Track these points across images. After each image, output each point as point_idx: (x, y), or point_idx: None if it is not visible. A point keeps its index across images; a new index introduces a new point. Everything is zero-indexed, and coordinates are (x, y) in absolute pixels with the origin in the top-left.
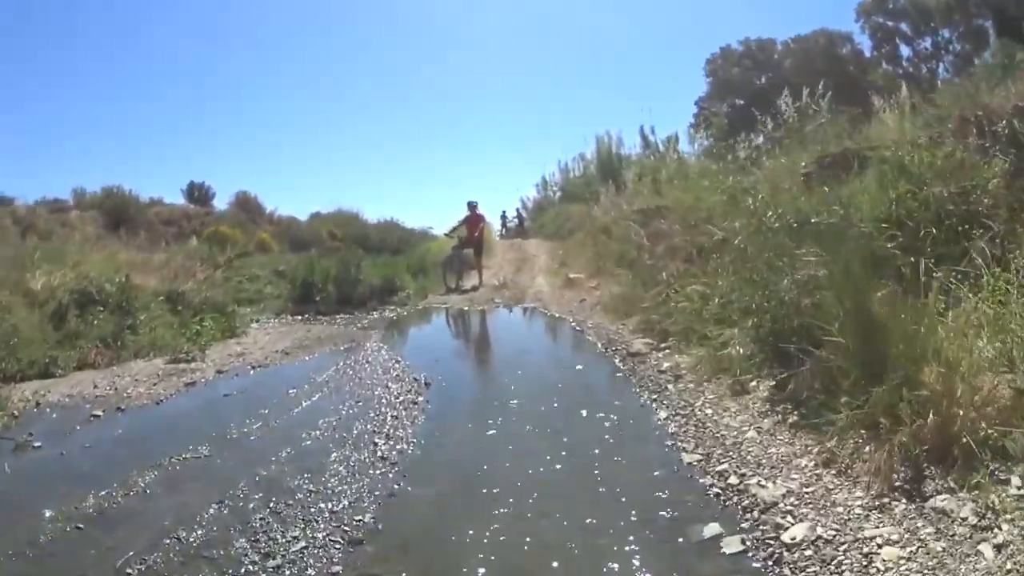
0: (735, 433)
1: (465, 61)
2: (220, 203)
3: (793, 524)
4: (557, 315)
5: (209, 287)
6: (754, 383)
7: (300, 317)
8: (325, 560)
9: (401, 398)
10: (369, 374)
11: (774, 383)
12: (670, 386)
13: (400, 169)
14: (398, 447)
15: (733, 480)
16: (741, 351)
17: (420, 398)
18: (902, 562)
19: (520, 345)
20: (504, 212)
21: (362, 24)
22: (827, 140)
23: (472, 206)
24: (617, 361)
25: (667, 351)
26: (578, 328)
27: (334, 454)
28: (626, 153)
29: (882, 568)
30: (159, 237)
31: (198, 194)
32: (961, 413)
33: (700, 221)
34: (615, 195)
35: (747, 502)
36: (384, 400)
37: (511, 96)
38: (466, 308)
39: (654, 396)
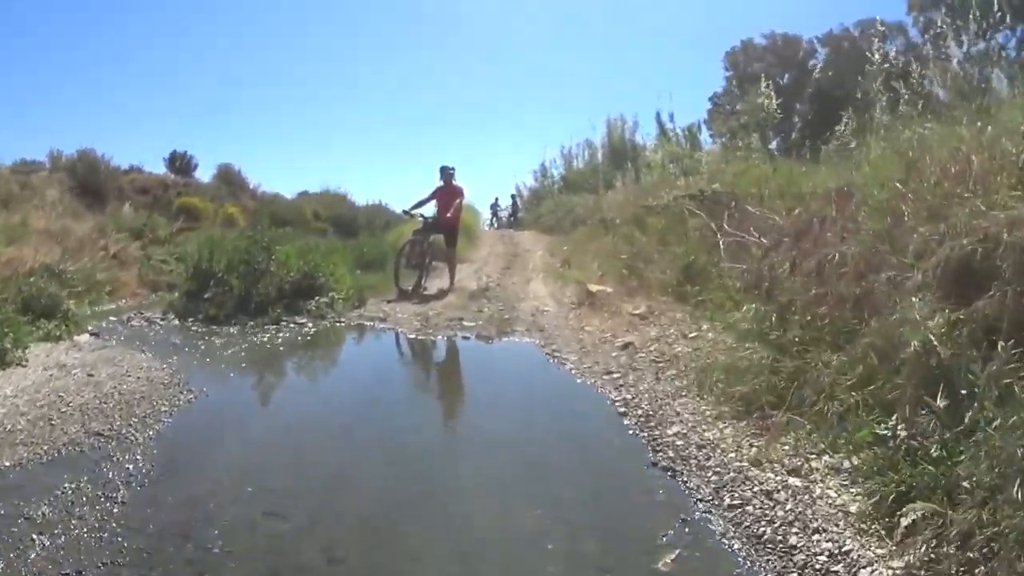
0: None
1: (461, 42)
2: (205, 175)
3: None
4: (580, 376)
5: (108, 267)
6: None
7: (177, 322)
8: None
9: None
10: None
11: None
12: None
13: (391, 154)
14: None
15: None
16: None
17: None
18: None
19: (513, 493)
20: (496, 200)
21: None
22: None
23: (447, 174)
24: None
25: None
26: (663, 457)
27: None
28: (641, 141)
29: None
30: (131, 205)
31: (180, 164)
32: None
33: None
34: (632, 184)
35: None
36: None
37: (508, 79)
38: (413, 335)
39: None
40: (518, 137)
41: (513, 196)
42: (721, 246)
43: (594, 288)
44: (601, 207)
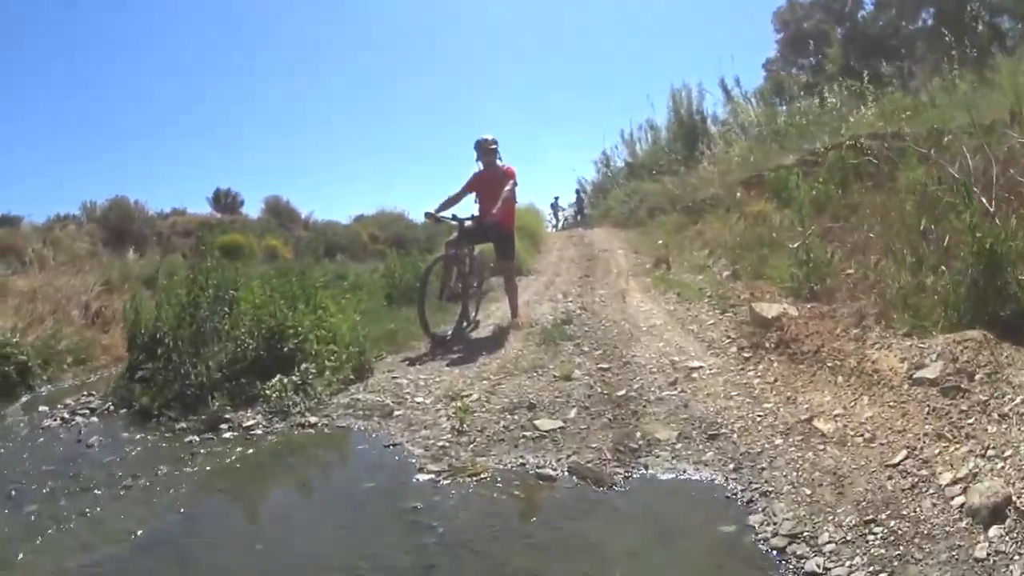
0: None
1: (502, 40)
2: (252, 210)
3: None
4: None
5: (83, 330)
6: None
7: (101, 417)
8: None
9: None
10: None
11: None
12: None
13: (444, 165)
14: None
15: None
16: None
17: None
18: None
19: None
20: (556, 199)
21: (399, 16)
22: None
23: (487, 150)
24: None
25: None
26: None
27: None
28: (709, 111)
29: None
30: (173, 249)
31: (225, 201)
32: None
33: None
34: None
35: None
36: None
37: (555, 71)
38: (430, 474)
39: None
40: (573, 130)
41: (577, 191)
42: None
43: (769, 310)
44: (685, 188)
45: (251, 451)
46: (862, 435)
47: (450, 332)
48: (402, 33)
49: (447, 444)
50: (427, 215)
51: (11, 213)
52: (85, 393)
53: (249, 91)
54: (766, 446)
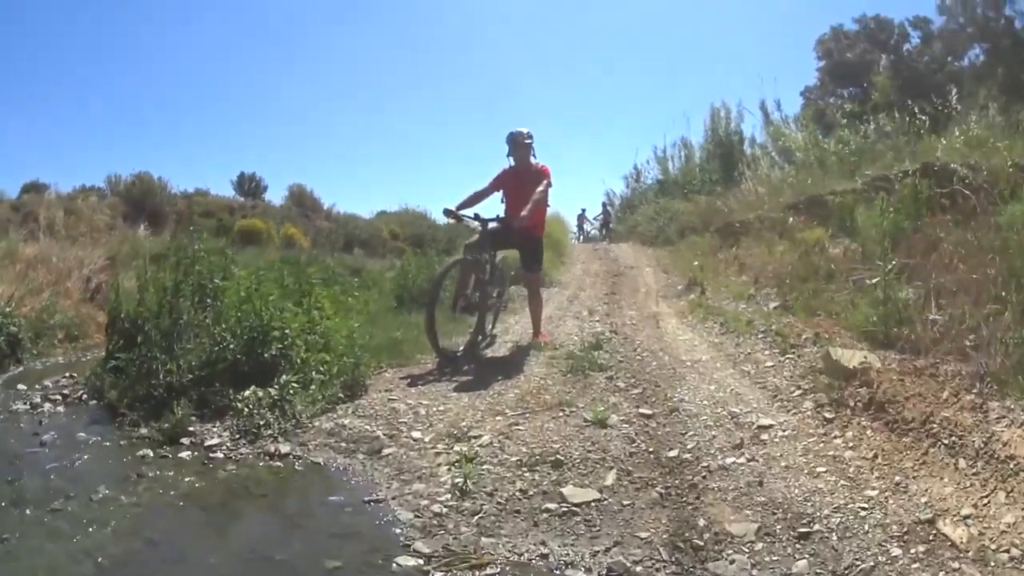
0: None
1: (540, 45)
2: (275, 197)
3: None
4: None
5: (78, 304)
6: None
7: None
8: None
9: None
10: None
11: None
12: None
13: (471, 168)
14: None
15: None
16: None
17: None
18: None
19: None
20: (583, 211)
21: (436, 17)
22: None
23: (521, 145)
24: None
25: None
26: None
27: None
28: (748, 133)
29: None
30: (193, 229)
31: (248, 186)
32: None
33: None
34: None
35: None
36: None
37: (590, 80)
38: (412, 561)
39: None
40: (604, 143)
41: (604, 204)
42: None
43: (850, 359)
44: (721, 209)
45: (201, 484)
46: (1007, 550)
47: (462, 348)
48: (439, 36)
49: (445, 511)
50: (446, 212)
51: (39, 180)
52: (66, 375)
53: (287, 81)
54: (880, 559)
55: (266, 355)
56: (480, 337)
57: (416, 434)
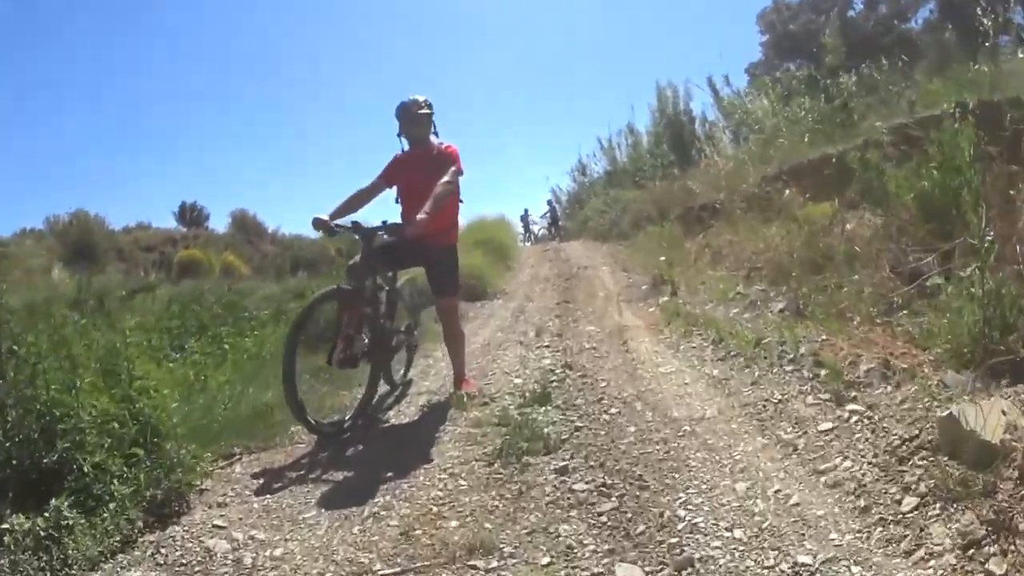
0: None
1: (467, 41)
2: (219, 224)
3: None
4: None
5: None
6: None
7: None
8: None
9: None
10: None
11: None
12: None
13: None
14: None
15: None
16: None
17: None
18: None
19: None
20: (526, 211)
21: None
22: None
23: (412, 115)
24: None
25: None
26: None
27: None
28: (697, 112)
29: None
30: (136, 265)
31: (191, 216)
32: None
33: None
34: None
35: None
36: None
37: (523, 74)
38: None
39: None
40: (545, 141)
41: (550, 202)
42: None
43: (990, 427)
44: (679, 193)
45: None
46: None
47: (348, 418)
48: (365, 33)
49: None
50: (316, 223)
51: None
52: None
53: (223, 102)
54: None
55: (46, 460)
56: (371, 403)
57: None
